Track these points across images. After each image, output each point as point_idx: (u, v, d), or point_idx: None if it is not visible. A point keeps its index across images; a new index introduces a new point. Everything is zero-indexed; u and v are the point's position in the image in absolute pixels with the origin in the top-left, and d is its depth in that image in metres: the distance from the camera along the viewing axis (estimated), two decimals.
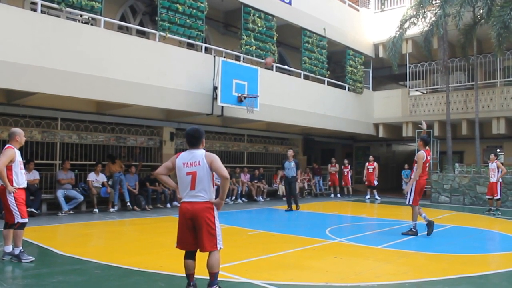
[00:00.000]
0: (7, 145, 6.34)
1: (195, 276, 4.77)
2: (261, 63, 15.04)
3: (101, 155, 13.91)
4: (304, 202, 16.77)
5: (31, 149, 12.24)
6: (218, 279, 4.69)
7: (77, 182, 12.62)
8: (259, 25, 14.79)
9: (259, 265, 6.41)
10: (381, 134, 21.21)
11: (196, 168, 4.65)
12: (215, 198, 4.76)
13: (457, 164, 17.96)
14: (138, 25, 13.98)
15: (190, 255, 4.73)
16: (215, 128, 16.34)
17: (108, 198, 12.59)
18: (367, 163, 19.21)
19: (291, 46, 18.92)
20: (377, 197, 18.69)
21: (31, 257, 6.26)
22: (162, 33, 12.11)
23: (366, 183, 19.26)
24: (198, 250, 4.73)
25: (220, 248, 4.68)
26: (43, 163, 12.56)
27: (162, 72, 12.04)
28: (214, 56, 13.44)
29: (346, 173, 20.04)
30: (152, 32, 12.69)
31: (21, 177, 6.37)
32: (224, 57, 13.75)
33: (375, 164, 18.92)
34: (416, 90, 22.07)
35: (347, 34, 19.37)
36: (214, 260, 4.60)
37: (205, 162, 4.65)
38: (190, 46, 13.82)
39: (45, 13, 10.33)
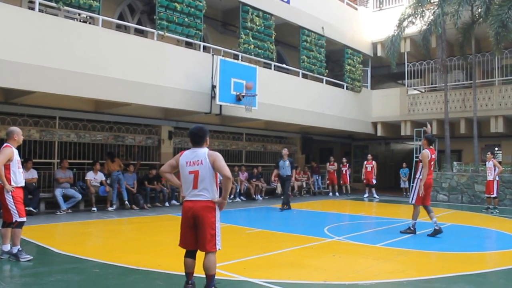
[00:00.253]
0: (5, 144, 6.33)
1: (194, 274, 4.77)
2: (259, 61, 15.08)
3: (99, 154, 13.91)
4: (302, 201, 16.80)
5: (29, 148, 12.24)
6: (217, 277, 4.69)
7: (75, 181, 12.62)
8: (257, 24, 14.78)
9: (258, 263, 6.41)
10: (379, 133, 21.23)
11: (198, 167, 4.63)
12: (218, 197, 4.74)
13: (455, 163, 17.98)
14: (136, 24, 13.98)
15: (190, 254, 4.72)
16: (214, 127, 16.34)
17: (106, 197, 12.59)
18: (365, 162, 19.25)
19: (289, 45, 18.91)
20: (375, 195, 18.72)
21: (29, 256, 6.26)
22: (160, 32, 12.10)
23: (364, 181, 19.30)
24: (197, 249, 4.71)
25: (219, 249, 4.66)
26: (41, 162, 12.55)
27: (160, 71, 12.03)
28: (213, 55, 13.43)
29: (344, 172, 20.06)
30: (150, 31, 12.68)
31: (19, 176, 6.36)
32: (223, 56, 13.74)
33: (374, 162, 18.96)
34: (415, 89, 22.09)
35: (346, 33, 19.38)
36: (210, 262, 4.58)
37: (208, 161, 4.62)
38: (189, 45, 13.81)
39: (43, 12, 10.33)
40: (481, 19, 16.84)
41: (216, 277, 4.68)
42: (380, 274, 5.85)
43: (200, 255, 4.73)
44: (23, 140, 6.70)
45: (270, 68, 15.70)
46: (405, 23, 18.42)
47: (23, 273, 5.67)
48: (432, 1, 18.31)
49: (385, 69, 22.38)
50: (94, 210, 12.01)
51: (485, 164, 14.42)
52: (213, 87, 13.08)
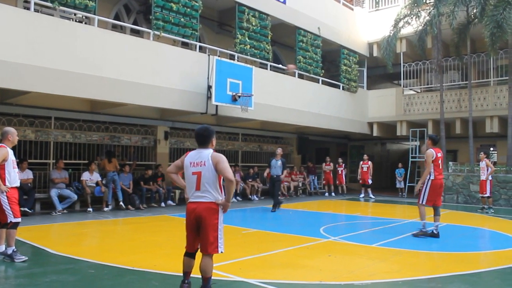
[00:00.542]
0: None
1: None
2: (255, 61, 15.08)
3: (95, 154, 13.88)
4: (298, 201, 16.82)
5: (24, 148, 12.20)
6: (213, 277, 4.68)
7: (71, 181, 12.58)
8: (253, 24, 14.78)
9: (254, 264, 6.42)
10: (375, 133, 21.27)
11: (201, 168, 4.59)
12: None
13: (450, 163, 18.03)
14: (132, 24, 13.96)
15: (190, 254, 4.71)
16: None
17: (102, 197, 12.56)
18: (361, 162, 19.29)
19: (285, 45, 18.92)
20: (371, 195, 18.76)
21: (24, 257, 6.24)
22: (156, 32, 12.08)
23: (360, 181, 19.34)
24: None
25: (221, 252, 4.62)
26: (37, 162, 12.52)
27: (156, 71, 12.02)
28: (209, 55, 13.42)
29: (340, 172, 20.08)
30: (146, 31, 12.66)
31: (14, 176, 6.34)
32: (219, 56, 13.74)
33: (370, 163, 19.00)
34: (410, 89, 22.16)
35: (342, 33, 19.41)
36: (208, 265, 4.55)
37: (211, 163, 4.57)
38: (185, 45, 13.81)
39: (38, 12, 10.29)
40: (476, 19, 16.90)
41: (212, 277, 4.67)
42: (376, 274, 5.87)
43: (198, 255, 4.72)
44: (18, 140, 6.68)
45: (266, 69, 15.70)
46: (401, 24, 18.48)
47: (17, 274, 5.65)
48: (427, 2, 18.36)
49: (381, 69, 22.44)
50: (90, 211, 11.98)
51: (479, 164, 14.49)
52: (209, 87, 13.07)
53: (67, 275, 5.54)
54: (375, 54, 21.15)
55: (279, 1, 16.05)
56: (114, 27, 13.41)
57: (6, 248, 6.23)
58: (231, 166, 15.29)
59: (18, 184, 6.44)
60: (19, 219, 6.31)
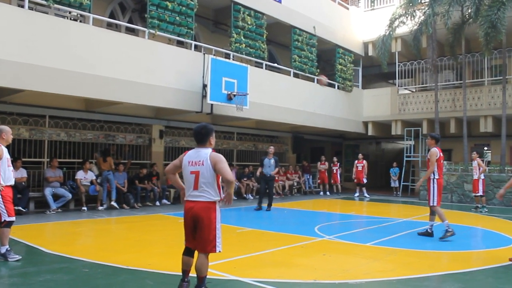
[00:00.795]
0: None
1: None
2: (251, 60, 15.08)
3: (89, 153, 13.84)
4: (293, 200, 16.83)
5: (18, 147, 12.14)
6: (208, 276, 4.67)
7: (65, 180, 12.54)
8: (249, 23, 14.78)
9: (248, 262, 6.42)
10: (370, 132, 21.32)
11: (199, 168, 4.56)
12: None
13: (445, 162, 18.08)
14: (128, 23, 13.91)
15: (188, 252, 4.69)
16: None
17: (96, 196, 12.52)
18: (356, 161, 19.33)
19: (281, 44, 18.93)
20: (366, 195, 18.80)
21: (18, 256, 6.21)
22: (151, 31, 12.05)
23: (355, 181, 19.38)
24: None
25: (219, 251, 4.60)
26: (31, 161, 12.47)
27: (151, 70, 11.99)
28: (204, 54, 13.41)
29: (335, 171, 20.10)
30: (141, 30, 12.62)
31: (9, 175, 6.31)
32: (214, 55, 13.73)
33: (364, 162, 19.04)
34: (405, 89, 22.21)
35: (337, 32, 19.43)
36: (203, 264, 4.53)
37: (209, 163, 4.54)
38: (180, 43, 13.78)
39: (32, 10, 10.24)
40: (471, 19, 16.95)
41: (207, 276, 4.67)
42: (370, 273, 5.88)
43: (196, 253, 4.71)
44: (12, 139, 6.64)
45: (262, 68, 15.71)
46: (396, 23, 18.51)
47: (11, 273, 5.62)
48: (423, 1, 18.41)
49: (376, 68, 22.48)
50: (84, 210, 11.96)
51: (472, 164, 14.58)
52: (204, 86, 13.06)
53: (61, 274, 5.52)
54: (370, 53, 21.20)
55: (274, 0, 16.05)
56: (109, 26, 13.36)
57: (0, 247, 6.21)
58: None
59: (12, 183, 6.41)
60: (13, 218, 6.28)
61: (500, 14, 15.26)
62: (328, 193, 19.82)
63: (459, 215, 12.81)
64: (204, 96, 13.07)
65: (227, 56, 14.68)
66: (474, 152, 14.24)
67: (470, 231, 10.10)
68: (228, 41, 14.60)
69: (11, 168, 6.45)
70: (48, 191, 11.57)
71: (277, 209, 13.47)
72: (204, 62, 13.15)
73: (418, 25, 18.10)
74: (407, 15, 18.32)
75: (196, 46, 13.64)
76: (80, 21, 12.09)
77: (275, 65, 17.12)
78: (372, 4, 21.90)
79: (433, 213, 8.83)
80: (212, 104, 13.32)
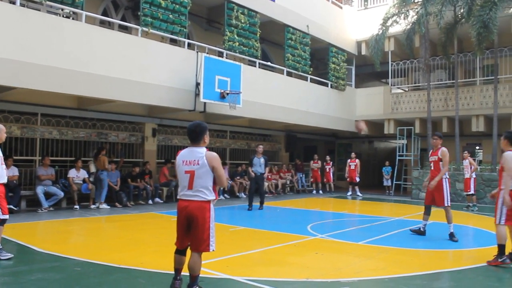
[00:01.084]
0: None
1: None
2: (244, 59, 15.08)
3: (82, 151, 13.78)
4: (286, 199, 16.85)
5: (10, 145, 12.05)
6: (200, 275, 4.67)
7: (58, 178, 12.48)
8: (242, 21, 14.77)
9: (241, 261, 6.43)
10: (363, 131, 21.35)
11: (194, 167, 4.53)
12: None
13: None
14: (121, 20, 13.84)
15: (181, 250, 4.68)
16: None
17: (89, 194, 12.47)
18: (349, 160, 19.38)
19: (274, 43, 18.93)
20: (358, 193, 18.86)
21: (9, 254, 6.18)
22: (144, 29, 12.01)
23: (348, 179, 19.43)
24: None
25: (212, 250, 4.60)
26: (23, 159, 12.39)
27: (144, 68, 11.96)
28: (197, 52, 13.39)
29: (328, 170, 20.14)
30: (134, 27, 12.58)
31: (2, 173, 6.27)
32: (207, 53, 13.71)
33: (357, 161, 19.09)
34: (398, 88, 22.30)
35: (330, 31, 19.47)
36: (196, 263, 4.52)
37: (206, 163, 4.50)
38: (173, 41, 13.75)
39: (24, 6, 10.17)
40: (463, 19, 17.04)
41: (199, 275, 4.67)
42: (362, 272, 5.91)
43: (188, 251, 4.70)
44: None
45: (255, 66, 15.71)
46: (389, 22, 18.57)
47: (2, 272, 5.59)
48: (416, 1, 18.48)
49: (369, 67, 22.55)
50: (77, 208, 11.91)
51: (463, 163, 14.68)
52: (197, 84, 13.04)
53: (53, 273, 5.50)
54: (363, 52, 21.27)
55: None
56: (102, 23, 13.30)
57: None
58: None
59: (5, 181, 6.36)
60: (6, 216, 6.24)
61: (492, 14, 15.35)
62: (321, 191, 19.86)
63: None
64: (197, 95, 13.05)
65: (220, 54, 14.66)
66: (466, 152, 14.34)
67: (461, 229, 10.15)
68: (222, 40, 14.58)
69: (4, 166, 6.41)
70: (40, 190, 11.51)
71: (270, 208, 13.48)
72: (197, 60, 13.12)
73: (411, 24, 18.17)
74: (400, 15, 18.39)
75: (189, 44, 13.62)
76: (73, 19, 12.02)
77: (268, 63, 17.13)
78: (366, 3, 21.96)
79: (427, 212, 8.76)
80: (205, 103, 13.31)
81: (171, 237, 4.75)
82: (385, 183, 20.26)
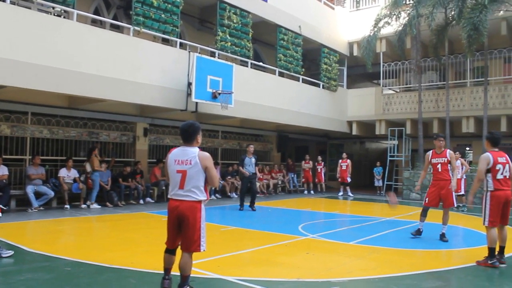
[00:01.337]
0: None
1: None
2: (236, 59, 15.08)
3: (73, 151, 13.70)
4: (277, 199, 16.87)
5: None
6: (191, 275, 4.67)
7: (48, 178, 12.40)
8: (234, 21, 14.77)
9: (232, 261, 6.43)
10: (354, 132, 21.47)
11: (186, 167, 4.51)
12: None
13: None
14: (112, 19, 13.79)
15: (171, 250, 4.67)
16: None
17: (79, 194, 12.41)
18: (340, 160, 19.43)
19: (266, 43, 18.95)
20: (350, 194, 18.92)
21: (10, 252, 6.21)
22: (136, 28, 11.98)
23: (339, 180, 19.49)
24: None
25: (203, 250, 4.58)
26: (12, 158, 12.30)
27: (136, 67, 11.92)
28: (189, 51, 13.37)
29: (319, 170, 20.21)
30: (126, 27, 12.53)
31: None
32: (199, 53, 13.70)
33: (348, 161, 19.15)
34: (390, 89, 22.40)
35: (322, 32, 19.52)
36: (187, 263, 4.51)
37: (198, 162, 4.49)
38: (165, 41, 13.72)
39: (15, 4, 10.10)
40: (454, 21, 17.15)
41: (190, 275, 4.66)
42: (353, 272, 5.94)
43: (178, 251, 4.69)
44: None
45: (247, 66, 15.71)
46: (381, 24, 18.65)
47: None
48: (407, 3, 18.59)
49: (361, 68, 22.64)
50: (67, 208, 11.83)
51: None
52: (189, 84, 13.03)
53: (42, 273, 5.46)
54: (355, 53, 21.35)
55: None
56: (94, 22, 13.25)
57: None
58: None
59: None
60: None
61: (482, 16, 15.46)
62: (312, 192, 19.91)
63: (441, 214, 12.94)
64: (189, 94, 13.04)
65: (212, 54, 14.65)
66: (457, 152, 14.43)
67: (451, 230, 10.20)
68: (214, 39, 14.58)
69: None
70: (29, 189, 11.42)
71: (261, 208, 13.48)
72: (189, 60, 13.10)
73: (402, 26, 18.26)
74: (392, 16, 18.48)
75: (181, 44, 13.60)
76: (64, 17, 11.96)
77: (261, 64, 17.14)
78: (358, 4, 22.07)
79: (425, 214, 8.61)
80: (197, 102, 13.30)
81: (162, 237, 4.75)
82: (376, 184, 20.35)
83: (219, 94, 13.40)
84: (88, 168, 12.63)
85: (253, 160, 13.15)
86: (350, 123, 21.53)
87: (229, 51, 14.64)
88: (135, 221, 10.49)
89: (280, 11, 16.94)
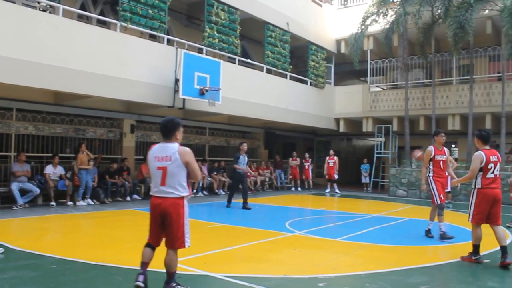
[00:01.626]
0: None
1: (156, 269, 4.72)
2: (224, 56, 15.05)
3: (59, 147, 13.57)
4: (265, 196, 16.90)
5: None
6: (177, 271, 4.65)
7: (34, 175, 12.27)
8: (222, 18, 14.74)
9: (219, 258, 6.44)
10: (341, 129, 21.58)
11: (167, 163, 4.47)
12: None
13: (414, 159, 18.45)
14: (99, 15, 13.67)
15: (150, 245, 4.63)
16: None
17: (66, 191, 12.30)
18: (327, 157, 19.49)
19: (254, 40, 18.94)
20: (337, 190, 19.00)
21: (1, 249, 6.15)
22: (123, 24, 11.89)
23: (326, 177, 19.54)
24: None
25: (188, 246, 4.56)
26: None
27: (123, 63, 11.84)
28: (176, 48, 13.32)
29: (307, 167, 20.28)
30: (113, 22, 12.43)
31: None
32: (187, 49, 13.64)
33: (336, 158, 19.22)
34: (377, 86, 22.53)
35: (310, 29, 19.56)
36: (172, 260, 4.49)
37: (178, 158, 4.45)
38: (152, 37, 13.64)
39: None
40: (440, 20, 17.31)
41: (176, 271, 4.65)
42: (339, 268, 5.98)
43: (160, 249, 4.67)
44: None
45: (235, 63, 15.69)
46: (368, 21, 18.73)
47: None
48: (394, 1, 18.69)
49: (348, 66, 22.74)
50: (53, 205, 11.73)
51: None
52: (177, 80, 12.98)
53: (28, 271, 5.41)
54: (342, 50, 21.44)
55: None
56: (80, 17, 13.12)
57: None
58: (199, 161, 14.82)
59: None
60: None
61: (468, 15, 15.63)
62: (299, 188, 19.97)
63: (427, 211, 13.00)
64: (176, 91, 12.99)
65: (200, 50, 14.60)
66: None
67: (436, 226, 10.33)
68: (201, 36, 14.53)
69: None
70: (14, 186, 11.29)
71: (249, 205, 13.45)
72: (177, 57, 13.05)
73: (390, 24, 18.37)
74: (379, 14, 18.57)
75: (168, 40, 13.53)
76: (50, 12, 11.82)
77: (248, 60, 17.13)
78: (345, 2, 22.16)
79: (442, 212, 8.42)
80: (184, 99, 13.26)
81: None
82: (363, 180, 20.47)
83: (207, 90, 13.37)
84: (76, 164, 12.53)
85: (246, 158, 13.11)
86: (337, 120, 21.64)
87: (216, 47, 14.60)
88: (121, 218, 10.44)
89: (268, 8, 16.93)
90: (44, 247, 6.78)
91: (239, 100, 15.49)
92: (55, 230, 8.90)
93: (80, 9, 13.43)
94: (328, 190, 19.11)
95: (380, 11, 18.55)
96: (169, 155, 4.48)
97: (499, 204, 6.32)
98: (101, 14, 14.14)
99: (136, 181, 14.34)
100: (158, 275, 4.84)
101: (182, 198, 4.53)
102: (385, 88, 21.93)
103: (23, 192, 11.48)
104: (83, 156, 12.41)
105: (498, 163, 6.38)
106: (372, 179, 19.97)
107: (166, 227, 4.51)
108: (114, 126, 14.96)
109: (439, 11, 17.38)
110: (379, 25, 18.73)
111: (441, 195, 8.32)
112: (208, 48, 14.41)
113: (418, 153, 9.59)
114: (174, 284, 4.55)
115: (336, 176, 19.11)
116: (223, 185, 17.29)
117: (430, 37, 17.94)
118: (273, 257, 6.54)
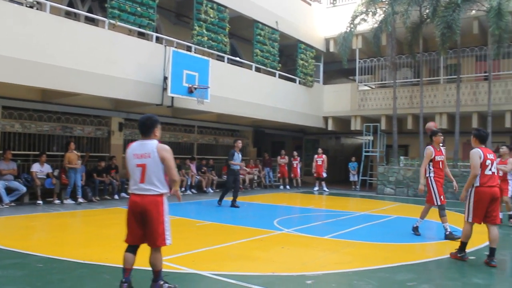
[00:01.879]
0: None
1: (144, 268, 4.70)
2: (212, 54, 15.02)
3: (46, 145, 13.45)
4: (253, 194, 16.91)
5: None
6: (165, 270, 4.64)
7: (20, 173, 12.15)
8: (211, 16, 14.70)
9: (207, 256, 6.43)
10: (330, 127, 21.66)
11: (146, 160, 4.45)
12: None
13: (402, 157, 18.61)
14: (87, 12, 13.55)
15: (132, 249, 4.57)
16: (165, 119, 16.11)
17: (53, 189, 12.20)
18: (316, 156, 19.57)
19: (243, 38, 18.93)
20: (325, 188, 19.09)
21: None
22: (112, 21, 11.81)
23: (315, 175, 19.63)
24: (140, 244, 4.59)
25: (169, 244, 4.53)
26: None
27: (111, 61, 11.76)
28: (165, 46, 13.26)
29: (295, 165, 20.31)
30: (101, 20, 12.35)
31: None
32: (175, 47, 13.59)
33: (324, 156, 19.30)
34: (365, 85, 22.64)
35: (299, 28, 19.59)
36: (157, 259, 4.48)
37: (156, 155, 4.44)
38: (141, 35, 13.57)
39: None
40: (428, 19, 17.44)
41: (164, 270, 4.64)
42: (327, 265, 6.01)
43: (142, 250, 4.63)
44: None
45: (223, 61, 15.67)
46: (357, 20, 18.81)
47: None
48: (383, 0, 18.78)
49: (337, 64, 22.80)
50: (40, 203, 11.62)
51: None
52: (165, 78, 12.92)
53: (14, 270, 5.36)
54: (331, 49, 21.50)
55: None
56: (68, 14, 13.00)
57: None
58: (188, 159, 14.67)
59: None
60: None
61: (455, 15, 15.78)
62: (288, 187, 20.01)
63: (414, 209, 13.19)
64: (164, 89, 12.94)
65: (188, 48, 14.56)
66: None
67: (424, 223, 10.40)
68: (190, 34, 14.48)
69: None
70: (0, 185, 11.16)
71: (237, 203, 13.46)
72: (165, 54, 13.00)
73: (378, 23, 18.46)
74: (368, 13, 18.66)
75: (157, 38, 13.47)
76: (37, 9, 11.69)
77: (237, 59, 17.11)
78: (334, 1, 22.22)
79: (445, 213, 8.37)
80: (172, 97, 13.21)
81: None
82: (351, 179, 20.56)
83: (195, 88, 13.33)
84: (64, 162, 12.44)
85: (240, 155, 13.07)
86: (326, 119, 21.71)
87: (205, 45, 14.57)
88: (109, 217, 10.39)
89: (257, 6, 16.93)
90: (31, 246, 6.73)
91: (227, 98, 15.47)
92: (41, 229, 8.84)
93: (68, 6, 13.30)
94: (316, 188, 19.18)
95: (369, 10, 18.63)
96: (148, 152, 4.47)
97: (497, 202, 6.25)
98: (89, 11, 14.03)
99: (124, 179, 14.25)
100: (145, 274, 4.83)
101: (161, 195, 4.51)
102: (373, 87, 22.05)
103: (9, 190, 11.36)
104: (71, 155, 12.31)
105: (494, 161, 6.42)
106: (360, 177, 20.08)
107: (146, 225, 4.47)
108: (102, 124, 14.87)
109: (427, 11, 17.52)
110: (367, 24, 18.83)
111: (442, 196, 8.29)
112: (197, 46, 14.37)
113: (432, 123, 9.62)
114: (162, 282, 4.53)
115: (324, 174, 19.19)
116: (212, 183, 17.27)
117: (418, 37, 18.06)
118: (262, 255, 6.56)
